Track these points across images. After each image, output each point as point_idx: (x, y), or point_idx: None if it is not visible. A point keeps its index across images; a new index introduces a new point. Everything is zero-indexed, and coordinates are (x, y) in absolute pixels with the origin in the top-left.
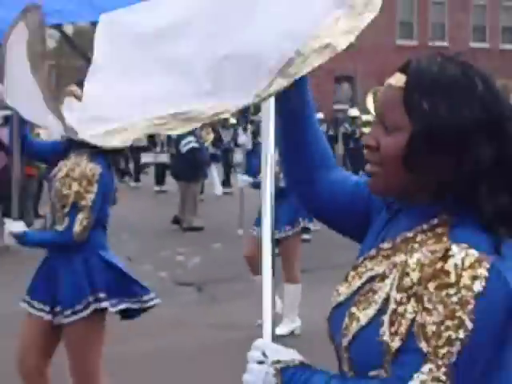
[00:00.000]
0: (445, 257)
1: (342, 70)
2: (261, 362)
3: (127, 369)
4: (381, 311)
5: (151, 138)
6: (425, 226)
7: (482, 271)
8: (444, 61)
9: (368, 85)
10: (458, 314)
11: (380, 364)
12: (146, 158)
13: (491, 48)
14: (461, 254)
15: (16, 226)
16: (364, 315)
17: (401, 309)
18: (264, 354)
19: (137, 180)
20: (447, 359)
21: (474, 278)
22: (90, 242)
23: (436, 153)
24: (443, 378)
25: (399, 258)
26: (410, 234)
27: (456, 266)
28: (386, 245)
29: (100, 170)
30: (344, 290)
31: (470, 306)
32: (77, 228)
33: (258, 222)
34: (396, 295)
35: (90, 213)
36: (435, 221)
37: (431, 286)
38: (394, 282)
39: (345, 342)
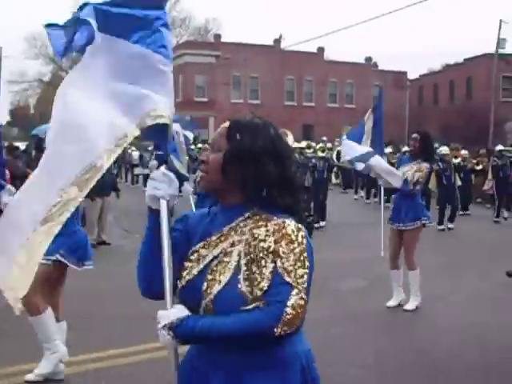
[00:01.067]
0: (284, 227)
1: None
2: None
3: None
4: (235, 273)
5: None
6: (243, 217)
7: (303, 233)
8: (253, 116)
9: None
10: (302, 257)
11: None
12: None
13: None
14: (292, 224)
15: None
16: (224, 277)
17: (260, 263)
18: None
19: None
20: (304, 284)
21: (302, 236)
22: None
23: (241, 166)
24: (304, 296)
25: (235, 238)
26: (233, 224)
27: (293, 230)
28: (213, 237)
29: None
30: (189, 273)
31: (305, 253)
32: None
33: None
34: (247, 258)
35: None
36: (249, 213)
37: (283, 243)
38: (240, 253)
39: (208, 300)
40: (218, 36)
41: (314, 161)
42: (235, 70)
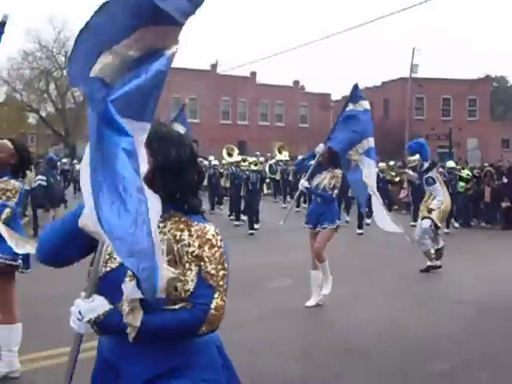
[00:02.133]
0: (205, 232)
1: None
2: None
3: None
4: None
5: None
6: (161, 218)
7: (220, 237)
8: (169, 127)
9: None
10: (221, 260)
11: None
12: None
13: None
14: (211, 229)
15: None
16: None
17: (185, 266)
18: (80, 313)
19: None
20: (224, 286)
21: (220, 240)
22: None
23: (164, 175)
24: (224, 297)
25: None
26: (166, 216)
27: (213, 235)
28: None
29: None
30: (114, 261)
31: (224, 255)
32: None
33: None
34: (168, 257)
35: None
36: (166, 215)
37: (206, 248)
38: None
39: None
40: None
41: (247, 173)
42: (175, 92)
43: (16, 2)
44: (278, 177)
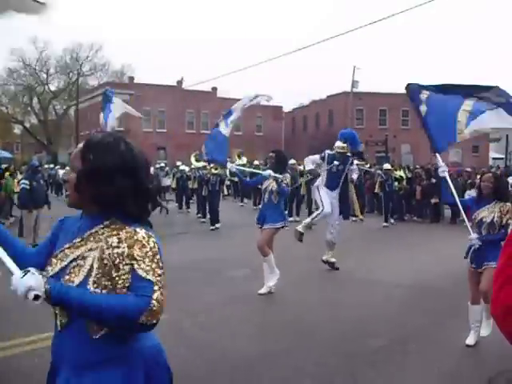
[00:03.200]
0: (135, 234)
1: (160, 144)
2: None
3: None
4: (87, 276)
5: None
6: (102, 225)
7: (153, 239)
8: (109, 135)
9: (173, 152)
10: (155, 259)
11: None
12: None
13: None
14: (142, 232)
15: None
16: (77, 279)
17: (118, 267)
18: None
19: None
20: (162, 282)
21: (153, 242)
22: None
23: (92, 183)
24: (162, 290)
25: (92, 244)
26: (93, 231)
27: (143, 237)
28: (77, 240)
29: None
30: (53, 269)
31: (158, 255)
32: None
33: None
34: (100, 263)
35: None
36: (107, 222)
37: (136, 247)
38: (94, 258)
39: None
40: (131, 78)
41: (208, 176)
42: (146, 105)
43: (1, 24)
44: (236, 179)
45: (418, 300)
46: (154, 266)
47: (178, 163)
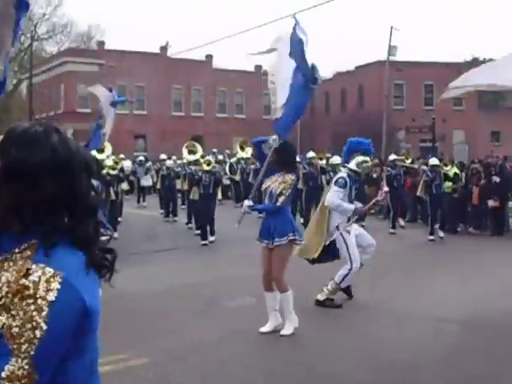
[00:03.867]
0: (26, 275)
1: (139, 131)
2: None
3: None
4: None
5: None
6: (17, 250)
7: (55, 285)
8: (34, 125)
9: (155, 141)
10: (35, 318)
11: None
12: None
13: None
14: (38, 272)
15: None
16: None
17: None
18: None
19: None
20: (28, 353)
21: (49, 290)
22: None
23: (13, 188)
24: (26, 367)
25: (2, 272)
26: (8, 255)
27: (34, 281)
28: None
29: None
30: None
31: (44, 312)
32: None
33: None
34: None
35: None
36: (25, 245)
37: (16, 298)
38: None
39: None
40: (101, 43)
41: (200, 174)
42: (120, 79)
43: None
44: (237, 177)
45: (474, 341)
46: (27, 327)
47: (163, 156)
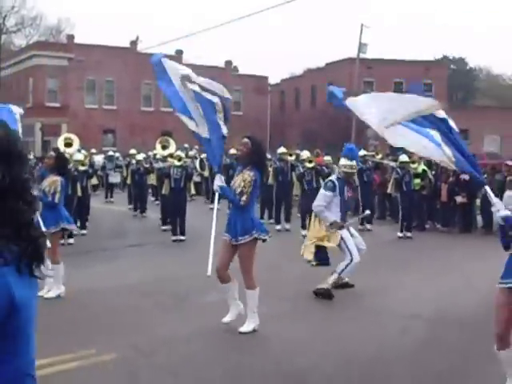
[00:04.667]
0: None
1: (108, 126)
2: None
3: None
4: None
5: None
6: None
7: None
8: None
9: (124, 135)
10: None
11: None
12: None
13: None
14: None
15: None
16: None
17: None
18: None
19: None
20: None
21: None
22: None
23: None
24: None
25: None
26: None
27: None
28: None
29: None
30: None
31: None
32: None
33: None
34: None
35: None
36: None
37: None
38: None
39: None
40: (71, 37)
41: (170, 168)
42: (89, 73)
43: None
44: (206, 173)
45: (441, 336)
46: None
47: (133, 151)
